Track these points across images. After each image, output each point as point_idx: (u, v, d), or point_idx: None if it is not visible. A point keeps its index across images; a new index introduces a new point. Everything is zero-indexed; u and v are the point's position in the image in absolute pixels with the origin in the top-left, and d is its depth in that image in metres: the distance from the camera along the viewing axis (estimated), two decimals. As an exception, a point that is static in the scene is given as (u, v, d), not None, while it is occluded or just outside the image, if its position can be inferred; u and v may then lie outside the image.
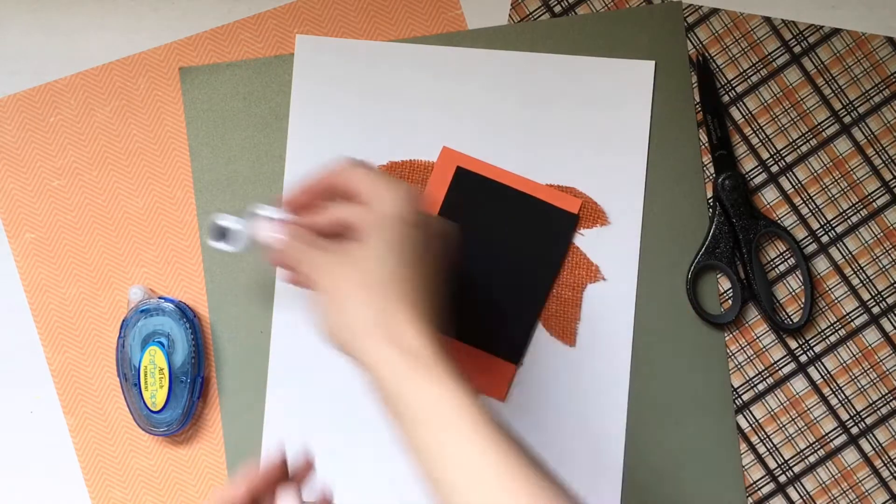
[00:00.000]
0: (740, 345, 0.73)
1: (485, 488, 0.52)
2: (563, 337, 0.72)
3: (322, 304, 0.57)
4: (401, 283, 0.56)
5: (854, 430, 0.73)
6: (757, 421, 0.73)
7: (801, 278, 0.73)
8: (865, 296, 0.73)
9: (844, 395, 0.73)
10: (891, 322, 0.73)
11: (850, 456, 0.73)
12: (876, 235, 0.73)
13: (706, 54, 0.74)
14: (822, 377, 0.73)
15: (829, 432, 0.73)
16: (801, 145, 0.74)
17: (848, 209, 0.73)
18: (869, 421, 0.73)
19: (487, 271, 0.72)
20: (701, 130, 0.74)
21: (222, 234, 0.65)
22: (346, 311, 0.56)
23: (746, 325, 0.73)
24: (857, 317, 0.73)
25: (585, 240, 0.73)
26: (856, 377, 0.73)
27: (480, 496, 0.52)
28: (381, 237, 0.57)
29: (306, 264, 0.59)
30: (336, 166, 0.61)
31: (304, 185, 0.62)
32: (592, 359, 0.72)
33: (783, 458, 0.73)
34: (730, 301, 0.73)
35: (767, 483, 0.73)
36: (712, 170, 0.73)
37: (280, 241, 0.61)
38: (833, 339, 0.73)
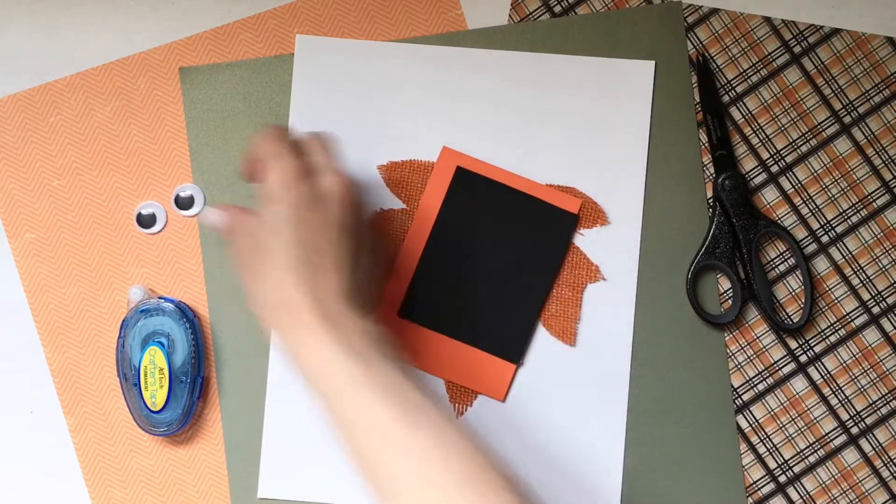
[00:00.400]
0: (740, 345, 0.73)
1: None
2: (563, 337, 0.72)
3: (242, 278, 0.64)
4: (286, 252, 0.60)
5: (854, 430, 0.73)
6: (757, 421, 0.73)
7: (801, 278, 0.73)
8: (865, 296, 0.73)
9: (844, 395, 0.73)
10: (891, 322, 0.73)
11: (850, 456, 0.73)
12: (876, 235, 0.73)
13: (706, 54, 0.74)
14: (822, 377, 0.73)
15: (829, 432, 0.73)
16: (801, 145, 0.74)
17: (848, 209, 0.73)
18: (869, 421, 0.73)
19: (487, 271, 0.72)
20: (701, 130, 0.74)
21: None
22: (252, 286, 0.62)
23: (746, 325, 0.73)
24: (857, 317, 0.73)
25: (585, 240, 0.73)
26: (856, 377, 0.73)
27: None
28: (263, 218, 0.62)
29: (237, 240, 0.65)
30: (259, 134, 0.64)
31: (246, 154, 0.66)
32: (592, 359, 0.72)
33: (783, 458, 0.73)
34: (730, 301, 0.73)
35: (767, 483, 0.73)
36: (712, 170, 0.73)
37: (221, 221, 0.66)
38: (833, 339, 0.73)
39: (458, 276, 0.72)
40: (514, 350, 0.72)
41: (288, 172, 0.61)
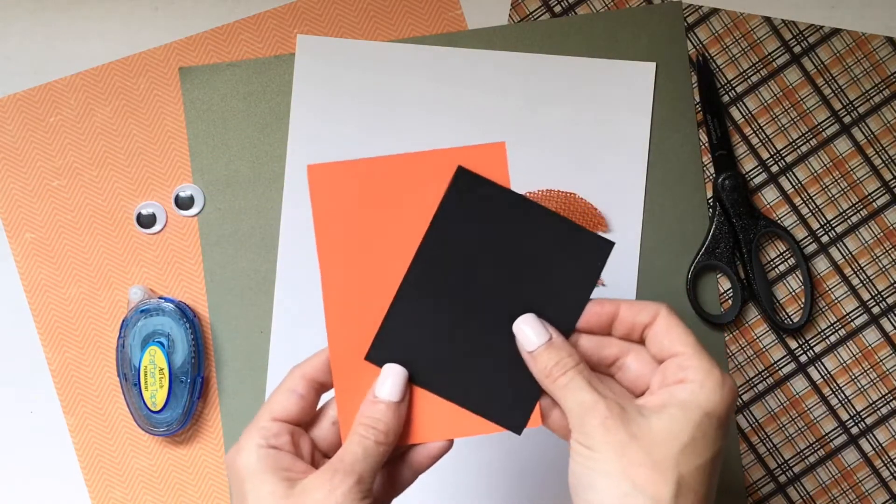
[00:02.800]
0: (740, 345, 0.73)
1: None
2: None
3: (582, 445, 0.49)
4: (698, 484, 0.48)
5: (854, 430, 0.73)
6: (757, 421, 0.73)
7: (801, 278, 0.73)
8: (865, 296, 0.73)
9: (844, 395, 0.73)
10: (891, 322, 0.73)
11: (850, 456, 0.73)
12: (876, 235, 0.73)
13: (706, 54, 0.74)
14: (822, 377, 0.73)
15: (829, 432, 0.73)
16: (801, 145, 0.74)
17: (848, 209, 0.73)
18: (869, 421, 0.73)
19: (489, 308, 0.53)
20: (701, 130, 0.74)
21: None
22: (618, 479, 0.47)
23: (746, 325, 0.73)
24: (857, 317, 0.73)
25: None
26: (856, 377, 0.73)
27: None
28: (692, 426, 0.48)
29: (573, 396, 0.50)
30: (658, 305, 0.51)
31: (613, 304, 0.52)
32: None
33: (783, 458, 0.73)
34: (730, 301, 0.73)
35: (767, 483, 0.73)
36: (712, 170, 0.73)
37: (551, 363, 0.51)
38: (833, 339, 0.73)
39: (450, 312, 0.53)
40: (515, 414, 0.53)
41: (733, 386, 0.50)
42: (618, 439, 0.47)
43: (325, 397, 0.53)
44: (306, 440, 0.51)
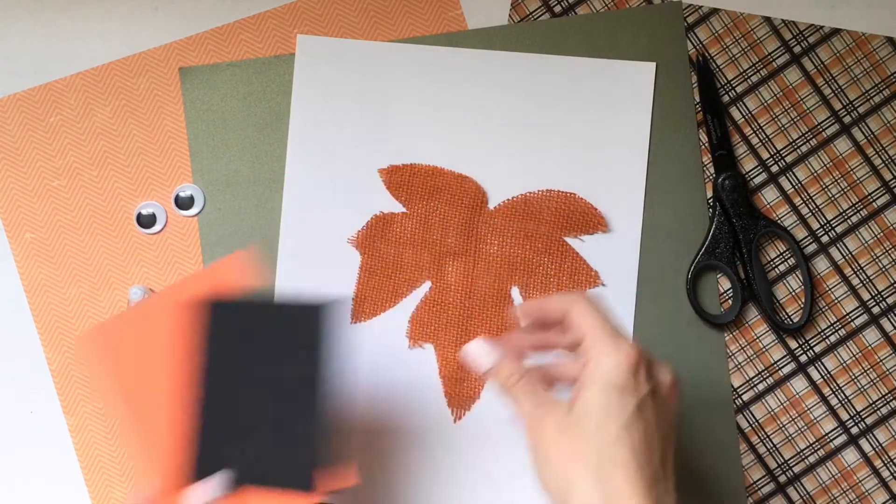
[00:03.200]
0: (740, 345, 0.73)
1: None
2: None
3: (534, 454, 0.56)
4: (618, 454, 0.53)
5: (854, 430, 0.73)
6: (757, 421, 0.73)
7: (801, 278, 0.73)
8: (865, 296, 0.73)
9: (844, 395, 0.73)
10: (891, 322, 0.73)
11: (850, 456, 0.73)
12: (876, 235, 0.73)
13: (706, 54, 0.74)
14: (822, 377, 0.73)
15: (829, 432, 0.73)
16: (801, 145, 0.74)
17: (848, 209, 0.73)
18: (869, 421, 0.73)
19: (248, 402, 0.60)
20: (701, 130, 0.74)
21: None
22: (558, 474, 0.54)
23: (746, 325, 0.73)
24: (857, 317, 0.73)
25: (585, 244, 0.73)
26: (856, 377, 0.73)
27: None
28: (599, 403, 0.54)
29: (523, 406, 0.57)
30: (571, 297, 0.58)
31: (534, 306, 0.60)
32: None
33: (783, 458, 0.73)
34: (730, 301, 0.73)
35: (767, 483, 0.73)
36: (712, 170, 0.73)
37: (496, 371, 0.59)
38: (833, 339, 0.73)
39: (230, 421, 0.60)
40: (306, 477, 0.58)
41: (636, 359, 0.54)
42: (556, 438, 0.54)
43: None
44: None
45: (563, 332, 0.58)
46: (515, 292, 0.73)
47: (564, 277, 0.72)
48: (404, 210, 0.73)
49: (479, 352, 0.59)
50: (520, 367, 0.58)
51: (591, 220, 0.72)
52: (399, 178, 0.73)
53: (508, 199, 0.73)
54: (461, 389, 0.72)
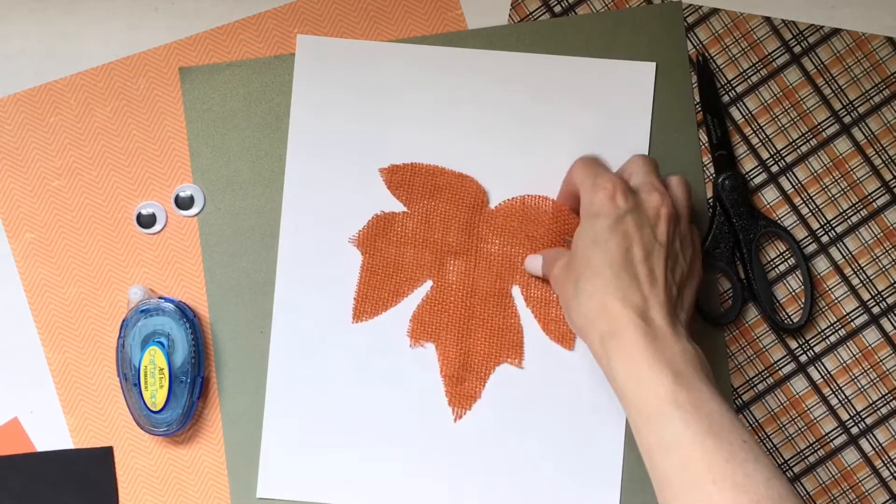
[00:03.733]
0: (740, 345, 0.73)
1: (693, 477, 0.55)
2: (562, 341, 0.72)
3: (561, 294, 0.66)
4: (610, 262, 0.61)
5: (854, 430, 0.73)
6: (757, 421, 0.73)
7: (801, 278, 0.73)
8: (865, 296, 0.73)
9: (844, 395, 0.73)
10: (891, 322, 0.73)
11: (850, 456, 0.73)
12: (876, 235, 0.73)
13: (706, 54, 0.74)
14: (822, 377, 0.73)
15: (829, 432, 0.73)
16: (801, 145, 0.74)
17: (848, 209, 0.73)
18: (869, 421, 0.73)
19: None
20: (701, 130, 0.74)
21: None
22: (572, 300, 0.64)
23: (746, 325, 0.73)
24: (857, 317, 0.73)
25: (585, 240, 0.73)
26: (856, 377, 0.73)
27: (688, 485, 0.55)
28: (580, 232, 0.64)
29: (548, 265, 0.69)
30: (572, 166, 0.68)
31: (561, 191, 0.72)
32: (592, 362, 0.72)
33: (783, 459, 0.73)
34: (730, 301, 0.73)
35: (767, 483, 0.73)
36: (712, 170, 0.73)
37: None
38: (833, 339, 0.73)
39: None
40: None
41: (611, 188, 0.63)
42: (561, 275, 0.66)
43: None
44: None
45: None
46: (517, 291, 0.73)
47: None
48: (405, 209, 0.73)
49: (534, 262, 0.71)
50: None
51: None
52: (400, 178, 0.73)
53: (509, 200, 0.73)
54: (462, 389, 0.72)
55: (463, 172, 0.73)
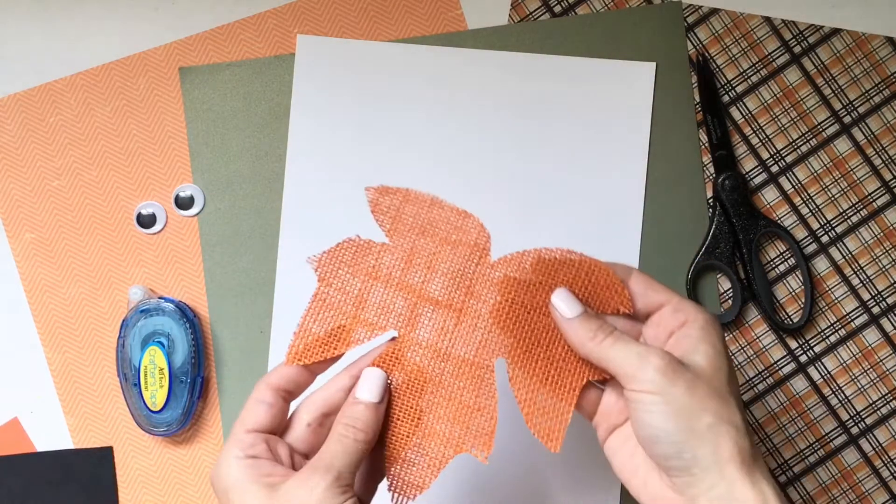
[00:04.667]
0: (740, 345, 0.73)
1: None
2: (546, 439, 0.62)
3: (648, 406, 0.51)
4: (735, 398, 0.52)
5: (854, 430, 0.73)
6: (757, 421, 0.73)
7: (801, 278, 0.73)
8: (865, 296, 0.73)
9: (844, 395, 0.73)
10: (891, 322, 0.73)
11: (850, 456, 0.73)
12: (876, 235, 0.73)
13: (706, 54, 0.74)
14: (822, 377, 0.73)
15: (829, 432, 0.73)
16: (801, 145, 0.74)
17: (848, 209, 0.73)
18: (869, 421, 0.73)
19: None
20: (701, 130, 0.74)
21: None
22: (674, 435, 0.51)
23: (746, 325, 0.73)
24: (857, 317, 0.73)
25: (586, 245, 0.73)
26: (856, 377, 0.73)
27: None
28: (718, 357, 0.53)
29: (621, 361, 0.53)
30: (622, 267, 0.56)
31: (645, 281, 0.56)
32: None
33: (783, 458, 0.73)
34: (730, 301, 0.73)
35: (767, 483, 0.73)
36: (712, 170, 0.73)
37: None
38: (833, 339, 0.73)
39: None
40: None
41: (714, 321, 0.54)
42: (685, 379, 0.50)
43: (294, 404, 0.56)
44: (283, 446, 0.53)
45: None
46: (501, 366, 0.57)
47: (572, 362, 0.55)
48: (386, 240, 0.58)
49: (568, 299, 0.55)
50: (605, 321, 0.55)
51: (611, 296, 0.56)
52: (389, 202, 0.59)
53: (519, 253, 0.57)
54: (409, 475, 0.55)
55: (465, 210, 0.58)
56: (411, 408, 0.56)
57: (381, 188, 0.60)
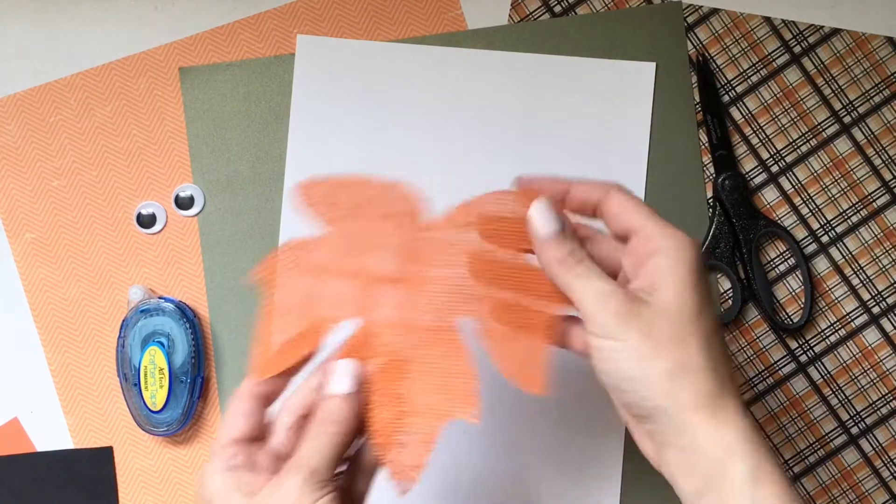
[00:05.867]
0: (740, 345, 0.73)
1: None
2: (530, 385, 0.65)
3: (607, 353, 0.50)
4: (698, 339, 0.49)
5: (854, 430, 0.73)
6: (757, 421, 0.73)
7: (801, 278, 0.73)
8: (865, 296, 0.73)
9: (844, 395, 0.73)
10: (891, 322, 0.73)
11: (850, 456, 0.73)
12: (876, 235, 0.73)
13: (706, 54, 0.74)
14: (822, 377, 0.73)
15: (829, 432, 0.73)
16: (801, 145, 0.74)
17: (848, 209, 0.73)
18: (869, 421, 0.73)
19: None
20: (701, 130, 0.74)
21: None
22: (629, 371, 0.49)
23: (746, 325, 0.73)
24: (857, 317, 0.73)
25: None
26: (856, 377, 0.73)
27: None
28: (687, 291, 0.49)
29: (582, 291, 0.50)
30: (604, 186, 0.53)
31: (546, 180, 0.54)
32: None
33: (783, 459, 0.73)
34: (730, 301, 0.73)
35: (767, 483, 0.73)
36: (712, 170, 0.73)
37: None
38: (833, 339, 0.73)
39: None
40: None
41: (698, 251, 0.51)
42: (642, 322, 0.48)
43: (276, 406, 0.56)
44: (264, 453, 0.53)
45: (583, 214, 0.54)
46: (466, 325, 0.55)
47: (535, 300, 0.55)
48: (323, 232, 0.57)
49: (545, 213, 0.52)
50: (580, 246, 0.51)
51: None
52: (321, 191, 0.57)
53: (458, 206, 0.57)
54: (403, 457, 0.54)
55: (392, 180, 0.57)
56: (391, 390, 0.54)
57: (307, 181, 0.58)
